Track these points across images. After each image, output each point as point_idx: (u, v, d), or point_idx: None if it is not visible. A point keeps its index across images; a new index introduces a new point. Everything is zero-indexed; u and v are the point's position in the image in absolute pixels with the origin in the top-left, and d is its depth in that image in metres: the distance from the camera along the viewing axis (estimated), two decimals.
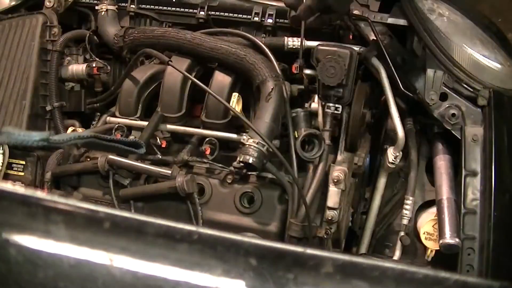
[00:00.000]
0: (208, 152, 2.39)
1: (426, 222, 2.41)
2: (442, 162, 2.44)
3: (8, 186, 0.97)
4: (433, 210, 2.44)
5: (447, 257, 2.32)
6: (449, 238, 2.26)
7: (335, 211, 2.34)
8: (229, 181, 2.34)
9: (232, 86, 2.45)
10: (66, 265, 0.95)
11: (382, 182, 2.57)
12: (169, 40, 2.52)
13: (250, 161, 2.14)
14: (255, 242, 0.98)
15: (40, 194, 1.00)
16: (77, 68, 2.69)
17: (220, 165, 2.37)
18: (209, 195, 2.33)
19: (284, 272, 0.94)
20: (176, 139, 2.55)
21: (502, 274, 2.20)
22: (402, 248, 2.49)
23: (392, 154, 2.42)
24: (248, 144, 2.17)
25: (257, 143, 2.16)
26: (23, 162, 2.50)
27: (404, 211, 2.44)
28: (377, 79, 2.45)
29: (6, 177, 2.51)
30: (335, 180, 2.34)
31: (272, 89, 2.29)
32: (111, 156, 2.33)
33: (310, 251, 0.96)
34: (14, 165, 2.51)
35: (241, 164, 2.18)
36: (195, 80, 2.41)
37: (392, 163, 2.44)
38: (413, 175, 2.47)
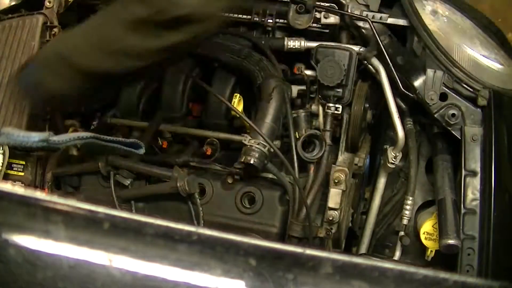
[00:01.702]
0: (209, 152, 2.39)
1: (426, 222, 2.42)
2: (442, 162, 2.44)
3: (8, 186, 0.97)
4: (433, 210, 2.44)
5: (447, 257, 2.32)
6: (449, 238, 2.26)
7: (335, 212, 2.35)
8: (230, 182, 2.34)
9: (233, 87, 2.45)
10: (66, 265, 0.95)
11: (382, 182, 2.57)
12: None
13: (252, 161, 2.14)
14: (254, 243, 0.98)
15: (39, 194, 1.00)
16: None
17: (221, 165, 2.38)
18: (210, 195, 2.33)
19: (284, 273, 0.95)
20: (177, 139, 2.55)
21: (502, 274, 2.20)
22: (402, 248, 2.49)
23: (392, 154, 2.42)
24: (250, 145, 2.17)
25: (258, 144, 2.16)
26: (23, 162, 2.50)
27: (404, 211, 2.44)
28: (377, 79, 2.45)
29: (6, 177, 2.51)
30: (336, 181, 2.35)
31: (273, 89, 2.29)
32: (112, 157, 2.33)
33: (309, 251, 0.97)
34: (14, 165, 2.50)
35: (243, 164, 2.19)
36: (201, 82, 2.40)
37: (392, 163, 2.44)
38: (413, 175, 2.47)
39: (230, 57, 2.41)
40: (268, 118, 2.25)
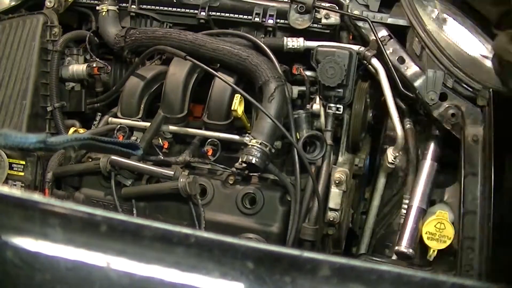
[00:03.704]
0: (210, 153, 2.38)
1: (428, 222, 2.41)
2: (427, 168, 2.46)
3: (6, 189, 0.97)
4: (434, 210, 2.44)
5: (446, 257, 2.33)
6: (403, 247, 2.36)
7: (336, 212, 2.34)
8: (231, 182, 2.34)
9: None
10: (63, 268, 0.95)
11: (381, 182, 2.57)
12: (170, 41, 2.51)
13: (253, 161, 2.15)
14: (252, 245, 0.98)
15: (37, 197, 1.00)
16: (77, 68, 2.69)
17: (222, 166, 2.38)
18: (211, 196, 2.33)
19: (282, 275, 0.94)
20: (178, 140, 2.54)
21: (502, 275, 2.20)
22: None
23: (391, 155, 2.42)
24: (251, 145, 2.17)
25: (260, 144, 2.16)
26: (23, 162, 2.50)
27: (403, 211, 2.44)
28: (376, 79, 2.45)
29: (6, 177, 2.51)
30: (337, 182, 2.35)
31: (274, 90, 2.29)
32: (113, 157, 2.32)
33: (307, 254, 0.96)
34: (14, 165, 2.50)
35: (244, 164, 2.19)
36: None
37: (391, 163, 2.44)
38: (412, 175, 2.47)
39: (232, 58, 2.41)
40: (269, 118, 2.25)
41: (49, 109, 2.64)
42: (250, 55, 2.40)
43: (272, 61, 2.43)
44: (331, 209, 2.35)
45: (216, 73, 2.40)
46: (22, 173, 2.50)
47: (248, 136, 2.23)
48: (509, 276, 2.16)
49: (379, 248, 2.59)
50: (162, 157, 2.44)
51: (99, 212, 0.97)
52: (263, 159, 2.17)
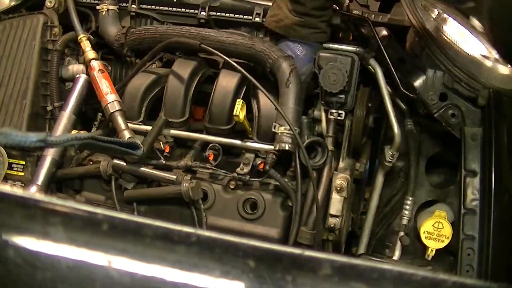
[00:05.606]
0: (211, 157, 2.37)
1: (426, 222, 2.41)
2: None
3: (7, 188, 0.97)
4: (433, 210, 2.44)
5: (447, 257, 2.33)
6: None
7: (337, 219, 2.33)
8: (232, 187, 2.34)
9: (236, 92, 2.43)
10: (65, 267, 0.95)
11: (380, 181, 2.57)
12: (173, 36, 2.50)
13: (287, 147, 2.19)
14: (253, 244, 0.98)
15: (38, 196, 1.00)
16: (77, 68, 2.69)
17: (223, 171, 2.37)
18: (212, 200, 2.33)
19: (283, 274, 0.94)
20: (179, 144, 2.53)
21: (502, 275, 2.20)
22: (401, 248, 2.49)
23: (389, 153, 2.42)
24: (280, 132, 2.19)
25: (288, 130, 2.18)
26: (23, 162, 2.50)
27: (404, 211, 2.44)
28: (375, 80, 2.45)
29: (6, 177, 2.51)
30: (338, 188, 2.34)
31: (289, 73, 2.29)
32: (115, 161, 2.32)
33: (308, 253, 0.97)
34: (14, 165, 2.50)
35: (279, 152, 2.23)
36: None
37: (389, 161, 2.44)
38: (413, 175, 2.47)
39: (238, 47, 2.40)
40: (292, 103, 2.26)
41: (49, 108, 2.64)
42: (255, 42, 2.40)
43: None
44: (332, 216, 2.34)
45: (228, 59, 2.40)
46: (22, 173, 2.50)
47: (274, 125, 2.26)
48: (510, 275, 2.16)
49: (379, 248, 2.60)
50: (164, 161, 2.42)
51: (100, 210, 0.97)
52: (294, 143, 2.21)
